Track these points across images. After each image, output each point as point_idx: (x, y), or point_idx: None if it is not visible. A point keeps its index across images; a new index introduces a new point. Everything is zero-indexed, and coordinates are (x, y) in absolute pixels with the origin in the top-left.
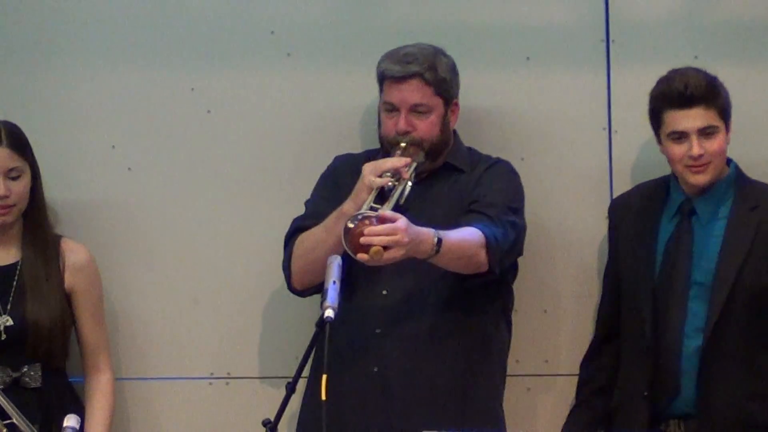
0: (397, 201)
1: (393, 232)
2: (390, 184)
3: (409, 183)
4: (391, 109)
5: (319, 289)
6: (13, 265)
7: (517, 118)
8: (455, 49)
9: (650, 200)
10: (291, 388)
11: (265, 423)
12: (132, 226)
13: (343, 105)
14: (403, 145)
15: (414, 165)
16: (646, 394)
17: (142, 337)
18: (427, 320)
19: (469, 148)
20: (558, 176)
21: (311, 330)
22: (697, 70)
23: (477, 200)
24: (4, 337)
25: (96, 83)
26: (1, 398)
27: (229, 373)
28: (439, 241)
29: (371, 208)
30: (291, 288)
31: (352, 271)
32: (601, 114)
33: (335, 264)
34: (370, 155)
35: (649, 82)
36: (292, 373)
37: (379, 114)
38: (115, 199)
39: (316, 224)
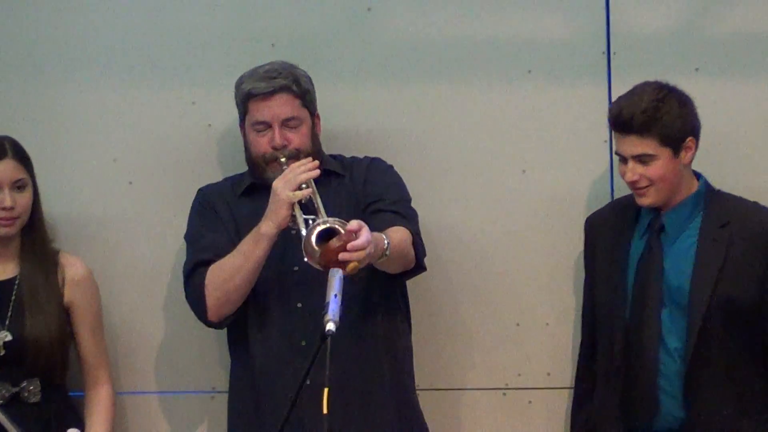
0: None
1: (367, 246)
2: (308, 195)
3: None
4: (263, 128)
5: (236, 316)
6: (12, 280)
7: (519, 131)
8: (457, 63)
9: (622, 217)
10: (293, 402)
11: None
12: (133, 239)
13: (349, 120)
14: (282, 159)
15: None
16: (618, 414)
17: (143, 352)
18: (346, 325)
19: (333, 155)
20: (559, 189)
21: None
22: (649, 92)
23: (378, 199)
24: (3, 352)
25: (97, 97)
26: (1, 414)
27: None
28: (389, 244)
29: (305, 221)
30: (207, 322)
31: (260, 288)
32: (602, 127)
33: (337, 277)
34: (234, 181)
35: None
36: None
37: (245, 136)
38: (117, 213)
39: (217, 256)
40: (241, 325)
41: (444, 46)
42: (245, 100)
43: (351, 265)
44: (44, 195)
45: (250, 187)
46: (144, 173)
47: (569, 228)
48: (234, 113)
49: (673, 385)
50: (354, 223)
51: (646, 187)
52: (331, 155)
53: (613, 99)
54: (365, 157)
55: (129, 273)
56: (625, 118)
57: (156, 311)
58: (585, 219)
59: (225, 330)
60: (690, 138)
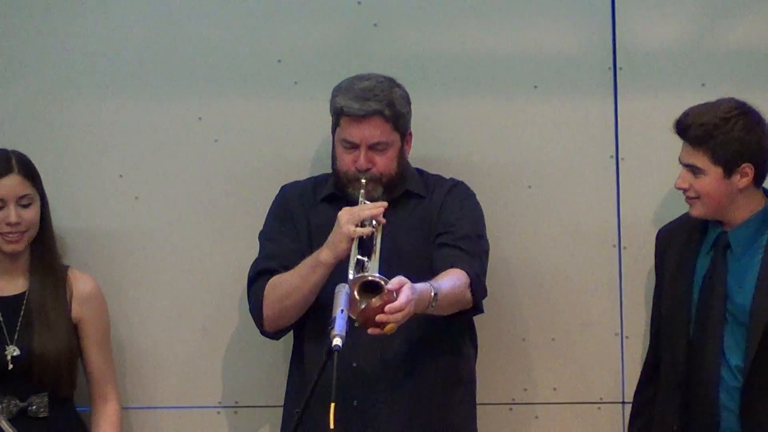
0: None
1: (406, 307)
2: (369, 234)
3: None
4: (350, 147)
5: (293, 329)
6: (21, 295)
7: (525, 146)
8: (463, 78)
9: (691, 233)
10: (300, 416)
11: None
12: (140, 254)
13: None
14: (363, 181)
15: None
16: (677, 428)
17: (150, 366)
18: (401, 350)
19: (419, 170)
20: (565, 204)
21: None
22: (723, 108)
23: (447, 231)
24: (11, 367)
25: (103, 112)
26: (9, 429)
27: (237, 402)
28: (436, 295)
29: (358, 261)
30: (263, 331)
31: (319, 307)
32: (608, 142)
33: (343, 293)
34: (318, 181)
35: (657, 110)
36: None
37: (334, 146)
38: (123, 228)
39: (280, 265)
40: (300, 339)
41: (450, 62)
42: (337, 113)
43: (388, 327)
44: (52, 210)
45: (332, 195)
46: (150, 188)
47: (575, 243)
48: (239, 129)
49: (734, 402)
50: (395, 282)
51: (694, 198)
52: (417, 169)
53: (619, 114)
54: (450, 179)
55: (135, 287)
56: (683, 125)
57: (163, 326)
58: (657, 231)
59: (233, 344)
60: (746, 164)
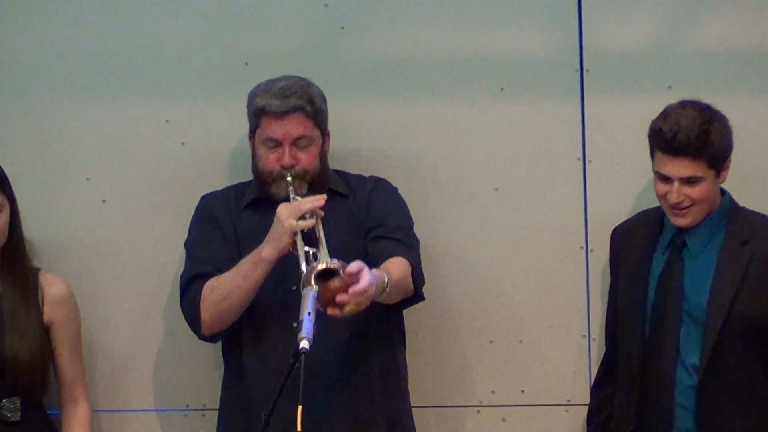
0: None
1: (368, 290)
2: (311, 226)
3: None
4: (273, 145)
5: (230, 332)
6: None
7: (492, 149)
8: (430, 80)
9: (647, 231)
10: (267, 419)
11: None
12: (107, 258)
13: None
14: (289, 178)
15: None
16: (633, 427)
17: (118, 369)
18: (341, 343)
19: (336, 171)
20: (532, 206)
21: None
22: (694, 114)
23: (379, 225)
24: None
25: (70, 115)
26: None
27: (204, 405)
28: (389, 281)
29: (308, 254)
30: (200, 335)
31: (257, 305)
32: (575, 144)
33: (311, 295)
34: (239, 189)
35: (624, 112)
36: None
37: (254, 148)
38: (90, 232)
39: (215, 269)
40: (236, 342)
41: (416, 65)
42: (258, 114)
43: (348, 308)
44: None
45: (255, 200)
46: (117, 192)
47: (542, 245)
48: (207, 132)
49: (689, 401)
50: (354, 266)
51: (688, 207)
52: (335, 170)
53: (586, 116)
54: (371, 177)
55: (103, 290)
56: (680, 142)
57: (130, 329)
58: (612, 229)
59: (201, 347)
60: (729, 158)
